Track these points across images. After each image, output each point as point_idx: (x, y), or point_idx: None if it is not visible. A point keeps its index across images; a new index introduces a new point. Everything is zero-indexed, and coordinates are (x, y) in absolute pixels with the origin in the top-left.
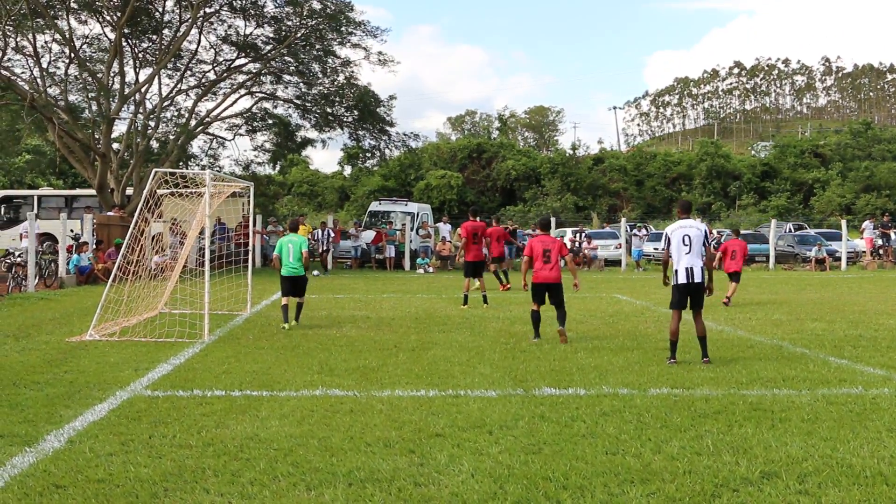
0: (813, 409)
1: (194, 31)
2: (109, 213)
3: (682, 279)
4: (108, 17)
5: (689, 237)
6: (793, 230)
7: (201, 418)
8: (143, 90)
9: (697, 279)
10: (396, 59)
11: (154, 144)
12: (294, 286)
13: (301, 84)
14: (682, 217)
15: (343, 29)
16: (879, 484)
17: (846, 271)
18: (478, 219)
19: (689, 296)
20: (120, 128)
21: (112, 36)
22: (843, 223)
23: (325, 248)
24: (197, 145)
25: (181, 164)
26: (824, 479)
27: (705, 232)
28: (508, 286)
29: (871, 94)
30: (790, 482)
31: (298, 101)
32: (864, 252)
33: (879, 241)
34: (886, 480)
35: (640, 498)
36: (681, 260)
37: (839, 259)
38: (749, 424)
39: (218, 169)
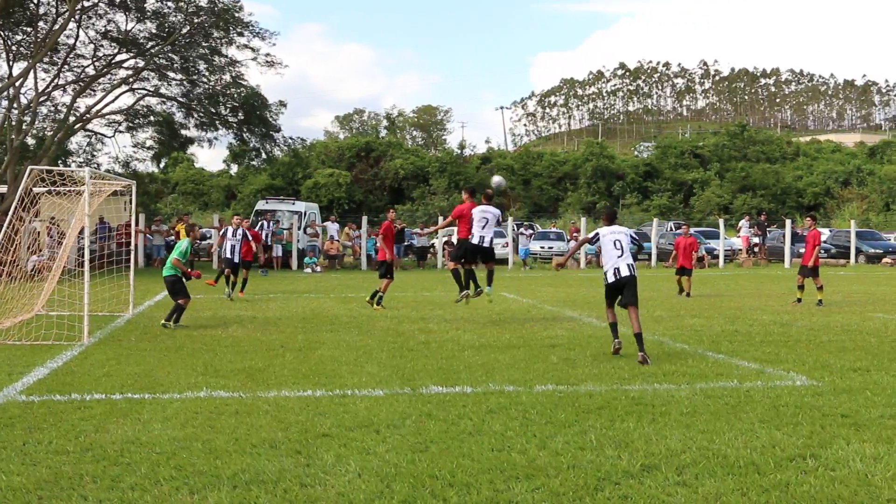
0: (691, 402)
1: (72, 24)
2: None
3: (610, 279)
4: None
5: (620, 242)
6: (674, 229)
7: (79, 423)
8: (17, 84)
9: (625, 274)
10: (284, 63)
11: (30, 141)
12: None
13: (185, 82)
14: (608, 224)
15: (230, 28)
16: (752, 473)
17: (724, 269)
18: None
19: (620, 291)
20: None
21: None
22: (721, 222)
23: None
24: (75, 142)
25: (59, 161)
26: (701, 470)
27: (632, 235)
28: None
29: (745, 97)
30: (669, 474)
31: (183, 100)
32: (741, 250)
33: (755, 240)
34: (758, 469)
35: (525, 493)
36: (611, 261)
37: (717, 257)
38: (631, 419)
39: (97, 167)
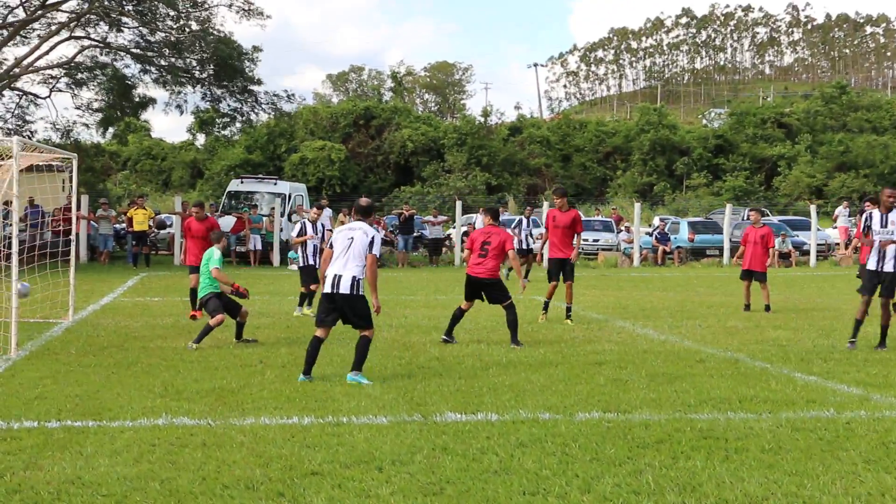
0: (775, 436)
1: None
2: None
3: (872, 266)
4: None
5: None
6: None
7: (5, 458)
8: None
9: (888, 269)
10: (266, 13)
11: None
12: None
13: (141, 28)
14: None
15: None
16: None
17: (816, 268)
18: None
19: (880, 280)
20: None
21: None
22: (813, 209)
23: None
24: (2, 104)
25: None
26: None
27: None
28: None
29: (846, 51)
30: None
31: (138, 51)
32: (838, 244)
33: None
34: None
35: None
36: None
37: (807, 253)
38: (698, 456)
39: (29, 135)
